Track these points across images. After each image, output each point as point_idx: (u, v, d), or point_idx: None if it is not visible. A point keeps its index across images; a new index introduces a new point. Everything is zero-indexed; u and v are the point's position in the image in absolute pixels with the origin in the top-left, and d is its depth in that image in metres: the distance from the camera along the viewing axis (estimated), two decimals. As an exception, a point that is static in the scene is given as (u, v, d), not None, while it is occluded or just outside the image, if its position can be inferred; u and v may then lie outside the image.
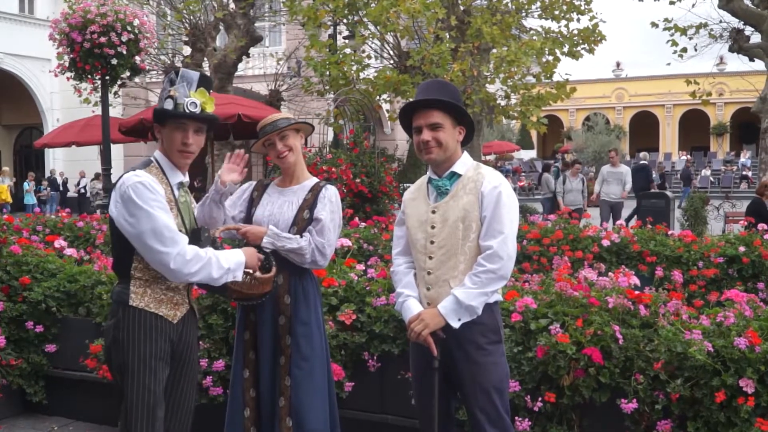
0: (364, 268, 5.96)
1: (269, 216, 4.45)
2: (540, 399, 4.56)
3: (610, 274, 5.03)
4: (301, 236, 4.36)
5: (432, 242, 3.90)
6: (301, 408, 4.35)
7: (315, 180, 4.59)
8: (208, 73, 18.91)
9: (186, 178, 3.90)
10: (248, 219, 4.54)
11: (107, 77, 13.05)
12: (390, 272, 4.30)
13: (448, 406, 4.07)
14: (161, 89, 3.80)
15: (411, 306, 3.93)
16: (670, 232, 8.46)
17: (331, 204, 4.44)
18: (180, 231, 3.69)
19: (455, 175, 3.93)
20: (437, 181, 3.96)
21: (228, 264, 3.73)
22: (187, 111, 3.73)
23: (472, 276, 3.75)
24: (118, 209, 3.62)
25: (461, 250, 3.83)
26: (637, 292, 4.81)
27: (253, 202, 4.58)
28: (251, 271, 4.03)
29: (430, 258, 3.90)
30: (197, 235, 3.80)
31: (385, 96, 16.52)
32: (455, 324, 3.76)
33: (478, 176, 3.89)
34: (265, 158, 16.94)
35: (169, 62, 19.80)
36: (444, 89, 3.94)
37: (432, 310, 3.82)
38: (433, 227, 3.91)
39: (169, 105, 3.73)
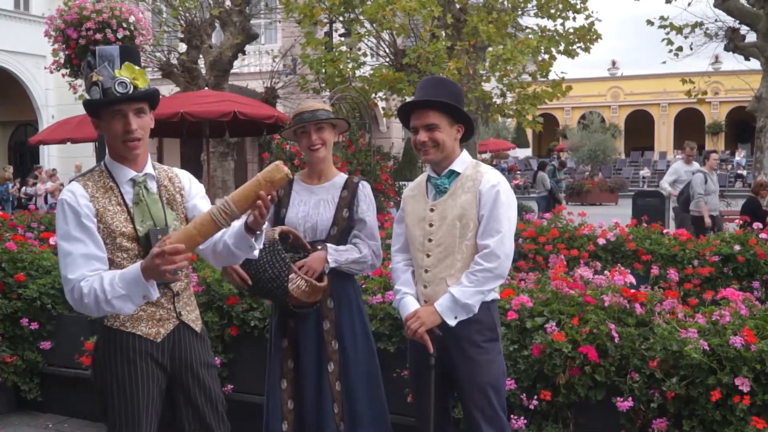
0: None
1: (304, 217, 4.30)
2: (536, 397, 4.56)
3: (605, 272, 5.03)
4: (347, 240, 4.30)
5: (430, 240, 3.90)
6: (356, 414, 4.28)
7: (345, 176, 4.44)
8: (203, 71, 18.90)
9: (143, 171, 3.37)
10: (277, 220, 4.36)
11: (103, 74, 13.01)
12: (389, 269, 4.30)
13: (445, 403, 4.07)
14: (83, 78, 3.22)
15: (408, 303, 3.93)
16: (665, 231, 8.46)
17: (371, 202, 4.37)
18: (128, 235, 3.28)
19: (454, 174, 3.93)
20: (436, 180, 3.96)
21: (112, 294, 3.04)
22: (117, 94, 3.18)
23: (469, 274, 3.75)
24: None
25: (458, 248, 3.83)
26: (632, 291, 4.81)
27: (281, 202, 4.38)
28: (307, 278, 4.01)
29: (428, 256, 3.91)
30: (149, 240, 3.27)
31: (380, 94, 16.50)
32: (451, 322, 3.76)
33: (477, 175, 3.88)
34: (261, 156, 16.96)
35: (164, 59, 19.75)
36: (442, 87, 3.92)
37: (429, 307, 3.82)
38: (431, 225, 3.91)
39: (96, 93, 3.19)
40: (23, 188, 28.00)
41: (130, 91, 3.19)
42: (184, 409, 3.49)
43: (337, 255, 4.21)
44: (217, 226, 3.09)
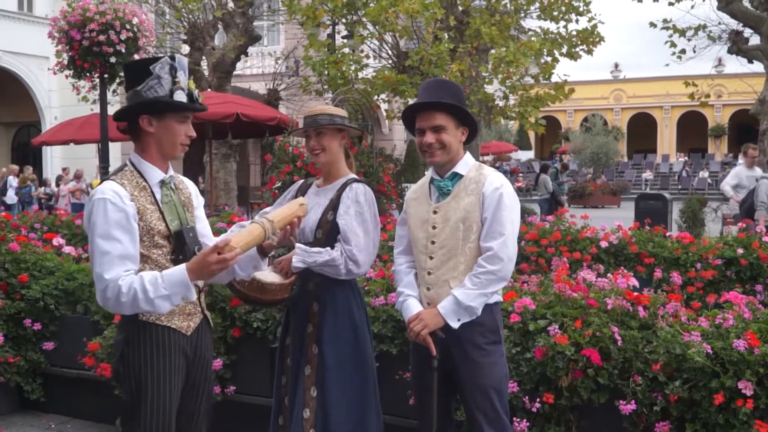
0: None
1: (304, 220, 4.23)
2: (538, 400, 4.56)
3: (608, 275, 5.02)
4: (332, 246, 4.17)
5: (433, 242, 3.90)
6: (330, 424, 4.17)
7: (347, 178, 4.36)
8: (206, 73, 18.91)
9: (169, 173, 3.54)
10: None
11: (106, 75, 13.02)
12: (391, 271, 4.29)
13: (447, 406, 4.07)
14: (151, 77, 3.38)
15: (411, 306, 3.93)
16: (668, 234, 8.46)
17: (357, 205, 4.21)
18: (163, 233, 3.42)
19: (457, 176, 3.93)
20: (439, 182, 3.96)
21: (157, 293, 3.18)
22: (197, 102, 3.48)
23: (472, 277, 3.75)
24: (84, 224, 3.41)
25: (461, 250, 3.83)
26: (635, 294, 4.81)
27: None
28: (259, 276, 3.94)
29: (431, 258, 3.90)
30: (182, 238, 3.46)
31: (383, 96, 16.53)
32: (454, 324, 3.76)
33: (480, 177, 3.88)
34: (263, 157, 16.97)
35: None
36: (447, 89, 3.92)
37: (431, 310, 3.82)
38: (434, 227, 3.91)
39: (182, 97, 3.40)
40: (42, 188, 27.91)
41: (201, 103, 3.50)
42: (188, 398, 3.59)
43: (305, 255, 4.11)
44: (263, 240, 3.43)
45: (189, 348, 3.53)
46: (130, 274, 3.24)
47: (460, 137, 3.92)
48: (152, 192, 3.46)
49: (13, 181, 26.23)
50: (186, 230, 3.48)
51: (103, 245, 3.25)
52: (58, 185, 28.09)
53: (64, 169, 28.99)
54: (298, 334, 4.32)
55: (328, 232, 4.22)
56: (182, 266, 3.23)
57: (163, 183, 3.50)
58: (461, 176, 3.92)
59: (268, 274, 4.07)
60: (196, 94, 3.47)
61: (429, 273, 3.91)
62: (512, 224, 3.80)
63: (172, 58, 3.44)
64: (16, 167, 27.47)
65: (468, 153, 4.02)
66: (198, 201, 3.74)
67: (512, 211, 3.82)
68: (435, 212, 3.93)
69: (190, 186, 3.75)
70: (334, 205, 4.25)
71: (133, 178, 3.44)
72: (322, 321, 4.25)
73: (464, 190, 3.88)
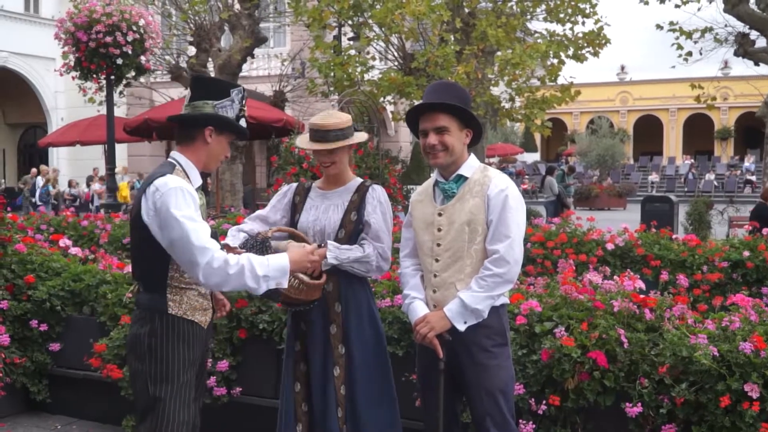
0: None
1: (314, 221, 4.32)
2: (544, 402, 4.56)
3: (615, 277, 5.02)
4: (358, 243, 4.25)
5: (438, 245, 3.90)
6: (360, 419, 4.25)
7: (360, 180, 4.43)
8: (212, 74, 18.93)
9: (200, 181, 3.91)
10: (291, 225, 4.41)
11: (112, 77, 13.08)
12: (397, 273, 4.30)
13: (454, 408, 4.07)
14: (227, 98, 3.79)
15: (417, 308, 3.94)
16: (674, 236, 8.45)
17: (381, 205, 4.31)
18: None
19: (462, 178, 3.93)
20: (444, 184, 3.96)
21: (265, 271, 3.53)
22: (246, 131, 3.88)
23: (479, 279, 3.76)
24: (152, 217, 3.54)
25: (467, 253, 3.83)
26: (642, 296, 4.81)
27: (296, 208, 4.45)
28: (301, 275, 3.96)
29: (437, 260, 3.91)
30: (214, 235, 3.73)
31: (389, 98, 16.48)
32: (461, 327, 3.76)
33: (485, 179, 3.88)
34: (269, 159, 16.96)
35: (173, 62, 19.80)
36: (452, 91, 3.92)
37: (438, 312, 3.83)
38: (439, 230, 3.91)
39: (244, 124, 3.85)
40: (68, 189, 27.74)
41: None
42: (197, 386, 3.86)
43: (338, 252, 4.18)
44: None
45: (205, 341, 3.85)
46: (241, 255, 3.58)
47: (464, 139, 3.92)
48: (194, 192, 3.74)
49: (40, 182, 26.14)
50: (216, 232, 3.76)
51: (195, 224, 3.50)
52: (88, 185, 28.00)
53: (94, 169, 28.91)
54: (318, 337, 4.32)
55: (352, 232, 4.28)
56: (284, 255, 3.65)
57: (199, 188, 3.84)
58: (466, 178, 3.93)
59: (300, 275, 4.05)
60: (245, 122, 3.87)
61: (435, 275, 3.92)
62: (518, 226, 3.80)
63: (243, 89, 3.88)
64: (47, 168, 27.32)
65: (473, 155, 4.01)
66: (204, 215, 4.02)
67: (518, 213, 3.82)
68: (440, 215, 3.93)
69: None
70: (356, 206, 4.29)
71: (182, 177, 3.70)
72: (347, 321, 4.30)
73: (469, 193, 3.88)
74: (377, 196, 4.33)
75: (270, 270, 3.55)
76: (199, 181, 3.80)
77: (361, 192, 4.34)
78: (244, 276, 3.48)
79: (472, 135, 3.96)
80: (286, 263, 3.61)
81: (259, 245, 3.97)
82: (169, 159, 3.81)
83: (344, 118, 4.35)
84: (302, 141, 4.43)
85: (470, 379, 3.86)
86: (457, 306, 3.76)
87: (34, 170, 27.86)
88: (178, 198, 3.52)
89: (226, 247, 3.97)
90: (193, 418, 3.70)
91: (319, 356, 4.33)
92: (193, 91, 3.83)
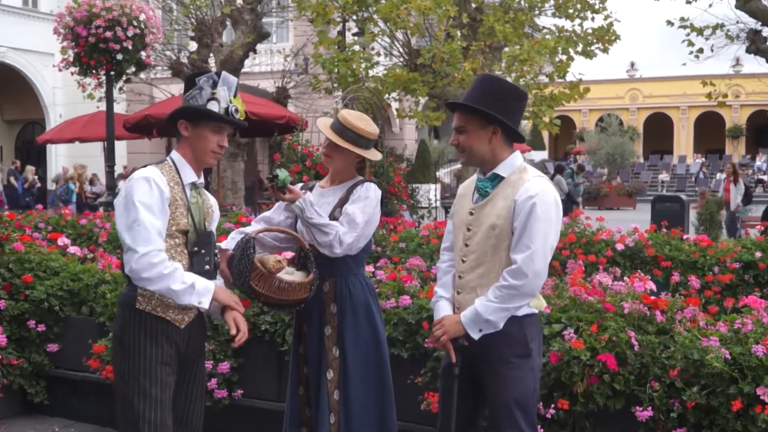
0: (373, 269, 5.95)
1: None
2: (553, 406, 4.54)
3: (625, 278, 5.01)
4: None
5: (466, 245, 3.83)
6: (353, 425, 4.24)
7: (357, 179, 4.41)
8: (214, 70, 18.94)
9: (201, 179, 3.92)
10: (295, 225, 4.41)
11: (112, 72, 13.08)
12: (404, 271, 4.26)
13: (471, 418, 3.99)
14: (195, 87, 3.81)
15: (440, 308, 3.91)
16: (685, 237, 8.43)
17: (365, 200, 4.26)
18: (188, 230, 3.75)
19: (497, 178, 3.81)
20: (480, 182, 3.87)
21: (192, 280, 3.62)
22: (231, 116, 3.81)
23: (495, 289, 3.67)
24: (119, 202, 3.69)
25: (490, 258, 3.75)
26: (652, 298, 4.79)
27: None
28: (280, 275, 3.97)
29: (463, 261, 3.85)
30: (207, 237, 3.83)
31: (394, 94, 16.51)
32: (475, 335, 3.69)
33: (518, 182, 3.74)
34: (272, 157, 16.99)
35: (174, 58, 19.81)
36: (482, 86, 3.81)
37: (454, 317, 3.79)
38: (469, 229, 3.83)
39: (214, 107, 3.78)
40: (89, 187, 27.51)
41: (239, 118, 3.85)
42: (180, 393, 3.85)
43: (306, 206, 4.11)
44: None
45: (181, 341, 3.79)
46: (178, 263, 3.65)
47: (489, 137, 3.76)
48: (184, 189, 3.80)
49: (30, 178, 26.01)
50: (211, 233, 3.90)
51: (148, 216, 3.58)
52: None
53: (125, 167, 28.79)
54: (314, 339, 4.32)
55: None
56: (212, 282, 3.73)
57: (194, 185, 3.87)
58: (502, 178, 3.79)
59: (285, 274, 4.06)
60: (234, 109, 3.83)
61: (460, 276, 3.87)
62: (544, 237, 3.64)
63: (218, 74, 3.86)
64: (67, 167, 27.10)
65: (516, 153, 3.85)
66: (216, 215, 4.06)
67: (547, 223, 3.65)
68: (471, 214, 3.84)
69: (212, 200, 4.07)
70: (343, 202, 4.29)
71: (171, 172, 3.79)
72: (342, 322, 4.28)
73: (500, 195, 3.76)
74: (362, 191, 4.30)
75: (196, 283, 3.64)
76: (192, 178, 3.84)
77: (351, 189, 4.35)
78: (173, 279, 3.57)
79: (507, 131, 3.79)
80: (212, 286, 3.71)
81: (242, 247, 3.99)
82: (164, 156, 3.92)
83: (371, 130, 4.33)
84: (323, 123, 4.41)
85: (489, 389, 3.80)
86: (472, 314, 3.69)
87: (64, 167, 27.66)
88: (142, 186, 3.62)
89: (219, 250, 4.04)
90: (166, 420, 3.68)
91: (314, 359, 4.33)
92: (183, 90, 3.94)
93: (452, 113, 3.94)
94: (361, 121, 4.34)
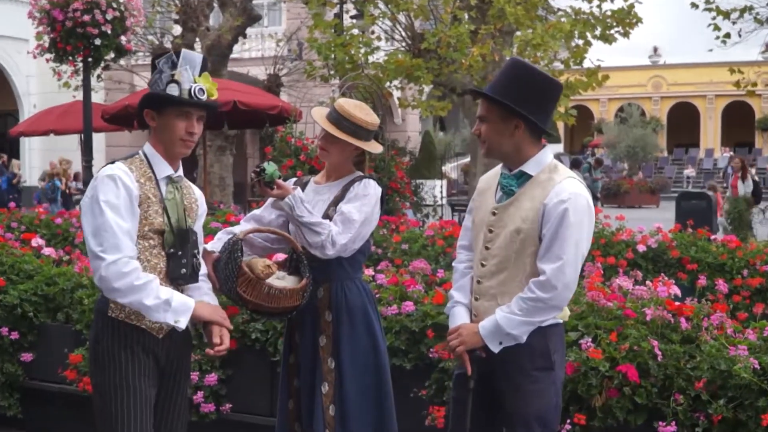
0: (372, 273, 5.96)
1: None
2: (569, 421, 4.54)
3: (647, 282, 5.02)
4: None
5: (487, 248, 3.76)
6: None
7: (355, 175, 4.38)
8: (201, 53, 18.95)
9: (178, 172, 3.84)
10: (288, 225, 4.36)
11: (90, 59, 13.07)
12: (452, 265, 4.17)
13: None
14: (156, 71, 3.74)
15: (456, 315, 3.84)
16: (712, 237, 8.43)
17: (363, 197, 4.22)
18: (164, 230, 3.70)
19: (524, 176, 3.72)
20: (504, 178, 3.78)
21: (167, 296, 3.56)
22: (195, 98, 3.70)
23: (520, 300, 3.60)
24: (84, 203, 3.67)
25: (514, 264, 3.68)
26: (677, 304, 4.80)
27: None
28: (269, 281, 3.95)
29: (483, 265, 3.77)
30: (185, 236, 3.76)
31: (396, 82, 16.49)
32: (495, 348, 3.65)
33: (548, 183, 3.66)
34: (263, 150, 16.97)
35: (157, 42, 19.82)
36: (508, 72, 3.74)
37: (472, 326, 3.72)
38: (490, 231, 3.75)
39: (174, 90, 3.68)
40: (74, 183, 27.40)
41: (205, 99, 3.73)
42: (161, 408, 3.81)
43: (295, 202, 4.07)
44: None
45: (160, 351, 3.75)
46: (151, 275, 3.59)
47: (512, 132, 3.68)
48: (158, 185, 3.74)
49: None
50: (190, 230, 3.80)
51: (116, 219, 3.53)
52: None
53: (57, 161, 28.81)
54: (308, 349, 4.30)
55: None
56: (191, 299, 3.70)
57: (170, 180, 3.80)
58: (529, 177, 3.72)
59: (276, 280, 4.05)
60: (198, 89, 3.70)
61: (479, 281, 3.80)
62: (576, 246, 3.59)
63: (177, 53, 3.76)
64: (54, 162, 26.94)
65: (546, 150, 3.79)
66: (202, 210, 3.99)
67: (579, 229, 3.60)
68: (494, 213, 3.75)
69: (197, 192, 4.02)
70: (338, 200, 4.27)
71: (142, 166, 3.74)
72: (338, 331, 4.26)
73: (527, 195, 3.68)
74: (361, 188, 4.27)
75: (173, 299, 3.58)
76: (167, 171, 3.78)
77: (348, 186, 4.31)
78: (146, 291, 3.51)
79: (531, 127, 3.70)
80: (191, 303, 3.67)
81: (229, 249, 3.98)
82: (137, 149, 3.87)
83: (371, 120, 4.31)
84: (318, 113, 4.40)
85: (506, 403, 3.75)
86: (492, 325, 3.64)
87: (52, 162, 27.64)
88: (108, 185, 3.57)
89: (204, 252, 4.02)
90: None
91: (307, 371, 4.31)
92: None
93: (460, 103, 3.91)
94: (359, 110, 4.32)
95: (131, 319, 3.65)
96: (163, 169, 3.77)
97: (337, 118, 4.27)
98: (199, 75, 3.75)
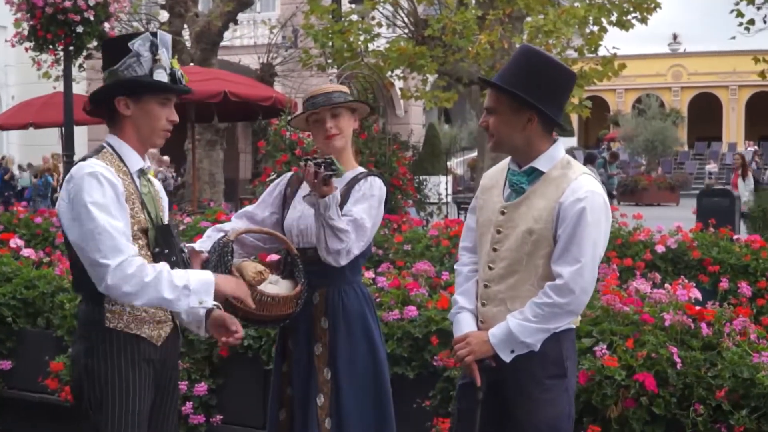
0: (373, 275, 5.96)
1: (299, 219, 4.24)
2: (582, 432, 4.57)
3: (666, 285, 5.03)
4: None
5: (495, 249, 3.72)
6: None
7: (360, 170, 4.36)
8: (188, 44, 18.96)
9: (147, 164, 3.75)
10: (281, 222, 4.35)
11: (71, 47, 13.08)
12: (454, 268, 4.15)
13: None
14: (130, 54, 3.57)
15: (462, 322, 3.80)
16: (735, 237, 8.44)
17: (370, 198, 4.19)
18: (146, 228, 3.61)
19: (535, 172, 3.69)
20: (513, 175, 3.75)
21: (184, 282, 3.44)
22: (180, 83, 3.65)
23: (534, 306, 3.57)
24: (65, 208, 3.51)
25: (525, 267, 3.65)
26: (698, 308, 4.80)
27: (286, 203, 4.38)
28: (261, 288, 3.93)
29: (490, 268, 3.73)
30: (167, 232, 3.68)
31: (398, 71, 16.50)
32: (506, 357, 3.62)
33: (562, 181, 3.63)
34: (255, 144, 16.97)
35: (143, 29, 19.82)
36: (522, 62, 3.69)
37: (481, 334, 3.68)
38: (498, 231, 3.72)
39: (162, 75, 3.59)
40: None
41: (184, 84, 3.66)
42: (154, 421, 3.74)
43: (333, 204, 3.98)
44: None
45: (158, 360, 3.69)
46: (160, 264, 3.49)
47: (524, 125, 3.63)
48: (133, 179, 3.64)
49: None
50: (171, 225, 3.75)
51: (108, 219, 3.40)
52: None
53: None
54: (302, 358, 4.29)
55: None
56: (207, 272, 3.64)
57: (142, 172, 3.70)
58: (541, 173, 3.68)
59: (268, 285, 4.04)
60: (180, 74, 3.64)
61: (486, 285, 3.76)
62: (593, 247, 3.56)
63: (154, 34, 3.64)
64: (47, 156, 26.94)
65: (558, 144, 3.75)
66: (166, 203, 3.88)
67: (597, 230, 3.57)
68: (503, 213, 3.72)
69: (158, 185, 3.90)
70: (343, 197, 4.20)
71: (114, 161, 3.60)
72: (334, 339, 4.23)
73: (539, 193, 3.65)
74: (367, 188, 4.23)
75: (190, 281, 3.46)
76: (139, 164, 3.68)
77: (351, 184, 4.27)
78: (161, 284, 3.39)
79: (545, 120, 3.66)
80: (210, 278, 3.55)
81: (218, 251, 3.96)
82: (101, 142, 3.74)
83: (343, 88, 4.34)
84: (298, 121, 4.43)
85: (516, 412, 3.72)
86: (503, 333, 3.60)
87: (45, 157, 27.63)
88: (92, 185, 3.44)
89: (191, 252, 3.99)
90: None
91: (301, 381, 4.29)
92: (103, 62, 3.74)
93: (466, 93, 3.91)
94: (328, 86, 4.38)
95: (131, 328, 3.57)
96: (136, 161, 3.67)
97: (325, 97, 4.26)
98: (173, 58, 3.69)
